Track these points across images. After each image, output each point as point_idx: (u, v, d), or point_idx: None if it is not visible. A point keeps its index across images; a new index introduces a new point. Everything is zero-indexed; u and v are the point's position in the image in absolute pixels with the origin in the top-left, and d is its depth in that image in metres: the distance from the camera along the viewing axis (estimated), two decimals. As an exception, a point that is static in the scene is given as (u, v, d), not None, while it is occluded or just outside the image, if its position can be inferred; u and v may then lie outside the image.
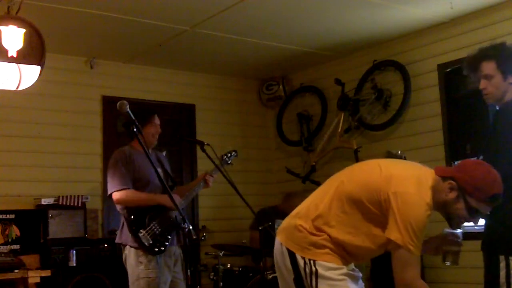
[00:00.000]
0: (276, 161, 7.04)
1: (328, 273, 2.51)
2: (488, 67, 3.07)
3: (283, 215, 2.96)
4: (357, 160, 5.77)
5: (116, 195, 3.87)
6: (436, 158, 5.35)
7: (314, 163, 6.25)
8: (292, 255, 2.56)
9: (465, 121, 4.55)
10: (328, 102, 6.42)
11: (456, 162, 5.22)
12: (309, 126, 6.58)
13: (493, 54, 3.08)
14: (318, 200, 2.62)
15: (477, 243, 4.87)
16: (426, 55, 5.52)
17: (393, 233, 2.39)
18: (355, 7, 4.90)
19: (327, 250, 2.54)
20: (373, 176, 2.52)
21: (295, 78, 6.82)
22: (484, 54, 3.11)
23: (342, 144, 6.05)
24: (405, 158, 4.42)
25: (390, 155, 4.46)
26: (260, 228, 4.08)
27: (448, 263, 2.90)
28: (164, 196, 3.78)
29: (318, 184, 6.26)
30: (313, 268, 2.51)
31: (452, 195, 2.51)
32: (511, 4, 4.89)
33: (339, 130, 6.09)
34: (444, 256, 2.92)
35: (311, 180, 6.27)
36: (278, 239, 2.67)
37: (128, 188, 3.87)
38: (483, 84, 3.12)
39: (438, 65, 5.38)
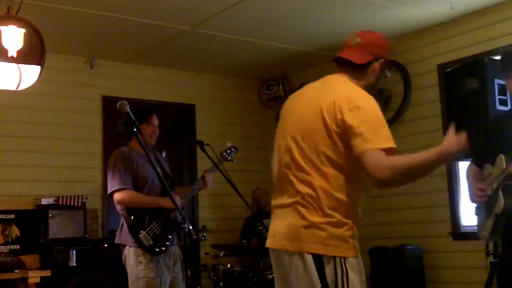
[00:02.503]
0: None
1: (355, 272, 2.31)
2: None
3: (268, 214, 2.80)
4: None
5: (117, 196, 3.87)
6: (436, 158, 5.34)
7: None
8: (317, 260, 2.26)
9: (465, 121, 4.54)
10: (328, 102, 6.41)
11: (456, 163, 5.23)
12: (309, 126, 6.57)
13: None
14: (293, 180, 2.35)
15: (477, 243, 4.89)
16: (426, 55, 5.52)
17: (365, 144, 2.23)
18: (355, 7, 4.90)
19: (353, 243, 2.32)
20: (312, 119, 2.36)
21: (295, 78, 6.82)
22: None
23: (342, 144, 6.04)
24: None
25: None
26: (243, 241, 4.04)
27: None
28: (165, 200, 3.78)
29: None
30: (344, 269, 2.28)
31: (377, 71, 2.50)
32: (511, 4, 4.89)
33: (339, 130, 6.08)
34: None
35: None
36: (279, 247, 2.37)
37: (129, 188, 3.87)
38: None
39: (438, 65, 5.38)
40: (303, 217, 2.30)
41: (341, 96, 2.32)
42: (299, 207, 2.32)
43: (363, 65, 2.46)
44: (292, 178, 2.36)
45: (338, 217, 2.30)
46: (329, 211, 2.28)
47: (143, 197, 3.90)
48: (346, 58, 2.49)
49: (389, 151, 2.23)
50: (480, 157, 3.38)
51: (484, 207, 3.29)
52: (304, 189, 2.32)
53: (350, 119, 2.24)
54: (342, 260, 2.27)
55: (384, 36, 2.58)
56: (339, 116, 2.27)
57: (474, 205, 3.43)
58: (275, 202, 2.47)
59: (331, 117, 2.28)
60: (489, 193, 3.19)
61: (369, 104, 2.30)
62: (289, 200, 2.35)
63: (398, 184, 2.30)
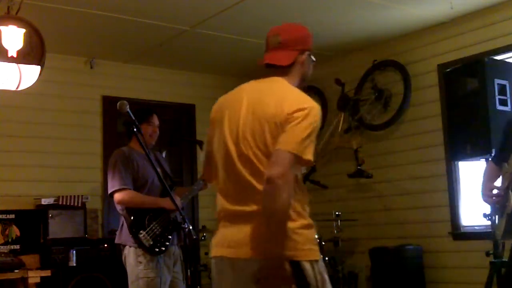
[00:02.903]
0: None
1: (326, 275, 2.29)
2: None
3: None
4: (357, 160, 5.78)
5: (118, 196, 3.87)
6: (436, 158, 5.35)
7: (314, 163, 6.24)
8: (296, 266, 2.18)
9: (465, 121, 4.54)
10: (328, 102, 6.41)
11: (456, 163, 5.23)
12: (309, 126, 6.57)
13: None
14: (256, 186, 2.23)
15: (477, 243, 4.90)
16: (426, 55, 5.52)
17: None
18: (355, 7, 4.90)
19: (317, 244, 2.32)
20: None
21: (295, 78, 6.80)
22: None
23: (342, 144, 6.05)
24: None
25: None
26: None
27: None
28: (166, 200, 3.78)
29: (318, 184, 6.27)
30: (320, 273, 2.24)
31: (305, 63, 2.47)
32: (511, 4, 4.89)
33: (339, 130, 6.09)
34: None
35: (311, 180, 6.26)
36: (245, 256, 2.23)
37: (129, 188, 3.87)
38: None
39: (438, 65, 5.38)
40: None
41: (284, 100, 2.27)
42: None
43: (290, 64, 2.43)
44: (254, 183, 2.24)
45: (307, 219, 2.29)
46: (298, 215, 2.25)
47: (144, 197, 3.90)
48: (272, 63, 2.42)
49: (301, 160, 2.19)
50: (499, 155, 3.40)
51: (498, 206, 3.30)
52: None
53: (288, 124, 2.21)
54: (315, 263, 2.25)
55: (302, 25, 2.53)
56: (281, 120, 2.22)
57: (473, 204, 3.45)
58: (230, 208, 2.33)
59: (276, 121, 2.24)
60: (501, 193, 3.19)
61: (309, 112, 2.25)
62: (254, 207, 2.23)
63: (279, 191, 2.12)
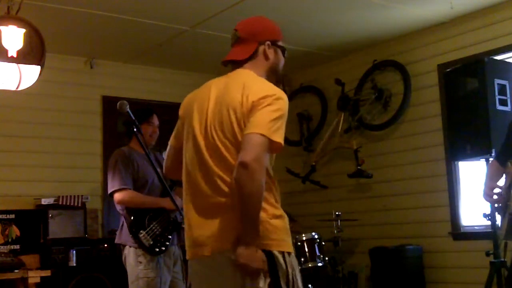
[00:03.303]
0: (276, 161, 7.02)
1: (298, 270, 2.28)
2: None
3: None
4: (357, 160, 5.78)
5: (118, 196, 3.87)
6: (436, 158, 5.35)
7: (314, 163, 6.26)
8: (270, 257, 2.18)
9: (465, 121, 4.54)
10: (328, 102, 6.42)
11: (456, 163, 5.23)
12: (309, 126, 6.58)
13: None
14: (226, 179, 2.22)
15: (477, 243, 4.90)
16: (426, 55, 5.52)
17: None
18: (355, 7, 4.90)
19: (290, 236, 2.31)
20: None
21: (295, 78, 6.82)
22: None
23: (342, 144, 6.05)
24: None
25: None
26: None
27: None
28: (166, 200, 3.78)
29: (318, 184, 6.28)
30: (291, 266, 2.23)
31: (268, 53, 2.45)
32: (511, 4, 4.89)
33: (339, 130, 6.09)
34: None
35: (311, 180, 6.27)
36: (218, 250, 2.21)
37: (129, 188, 3.87)
38: None
39: (438, 65, 5.38)
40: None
41: (249, 88, 2.28)
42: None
43: (250, 57, 2.44)
44: (222, 174, 2.23)
45: (280, 210, 2.28)
46: (270, 205, 2.25)
47: (144, 197, 3.90)
48: (229, 59, 2.48)
49: (272, 143, 2.17)
50: (503, 153, 3.39)
51: (501, 206, 3.29)
52: None
53: (255, 109, 2.21)
54: (288, 255, 2.23)
55: (263, 17, 2.55)
56: (248, 107, 2.22)
57: (473, 204, 3.45)
58: (197, 201, 2.31)
59: (243, 110, 2.23)
60: (502, 193, 3.19)
61: (277, 98, 2.25)
62: (222, 199, 2.22)
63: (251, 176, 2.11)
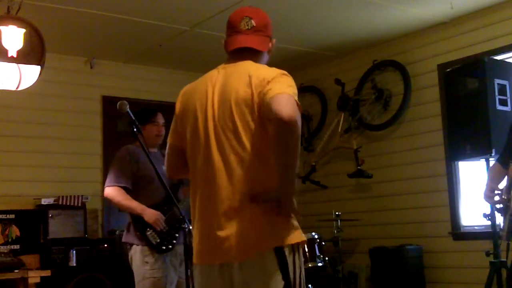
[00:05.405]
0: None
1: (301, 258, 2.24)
2: None
3: None
4: (357, 160, 5.78)
5: (106, 190, 3.90)
6: (436, 158, 5.35)
7: (314, 163, 6.26)
8: (279, 253, 2.11)
9: (465, 121, 4.54)
10: (328, 102, 6.42)
11: (456, 163, 5.23)
12: (309, 126, 6.58)
13: None
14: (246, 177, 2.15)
15: (477, 243, 4.90)
16: (426, 55, 5.52)
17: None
18: (355, 7, 4.90)
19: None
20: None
21: (295, 78, 6.76)
22: None
23: (342, 144, 6.06)
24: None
25: None
26: None
27: None
28: (150, 213, 3.79)
29: (318, 184, 6.27)
30: (298, 257, 2.18)
31: (271, 50, 2.46)
32: (511, 4, 4.89)
33: (339, 130, 6.09)
34: None
35: (311, 180, 6.27)
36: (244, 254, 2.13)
37: (120, 186, 3.87)
38: None
39: (438, 65, 5.38)
40: (264, 213, 2.11)
41: (262, 71, 2.25)
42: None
43: (266, 50, 2.42)
44: (235, 166, 2.16)
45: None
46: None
47: (125, 200, 3.86)
48: (250, 46, 2.36)
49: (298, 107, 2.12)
50: (504, 155, 3.39)
51: (502, 207, 3.30)
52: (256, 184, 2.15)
53: (271, 82, 2.17)
54: (296, 247, 2.17)
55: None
56: (263, 87, 2.16)
57: (473, 204, 3.46)
58: (212, 205, 2.21)
59: (259, 90, 2.18)
60: (501, 194, 3.19)
61: (288, 76, 2.26)
62: (237, 200, 2.14)
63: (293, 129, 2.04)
